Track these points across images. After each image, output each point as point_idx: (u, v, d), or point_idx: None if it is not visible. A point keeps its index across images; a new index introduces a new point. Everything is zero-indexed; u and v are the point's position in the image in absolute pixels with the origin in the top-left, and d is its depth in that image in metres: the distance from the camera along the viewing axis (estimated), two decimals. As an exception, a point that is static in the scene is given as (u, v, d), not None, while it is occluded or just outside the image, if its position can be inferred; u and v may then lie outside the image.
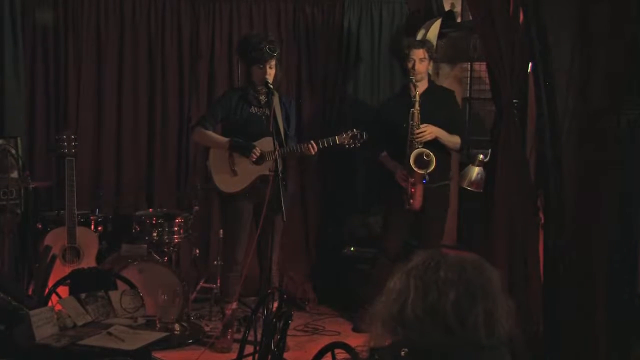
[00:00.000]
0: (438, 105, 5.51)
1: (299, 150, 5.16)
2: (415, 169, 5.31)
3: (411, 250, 5.76)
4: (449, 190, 5.71)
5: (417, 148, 5.34)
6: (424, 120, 5.38)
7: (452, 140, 5.55)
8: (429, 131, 5.38)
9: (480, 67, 6.68)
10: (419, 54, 5.50)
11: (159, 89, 6.44)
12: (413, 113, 5.36)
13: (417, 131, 5.36)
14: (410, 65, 5.48)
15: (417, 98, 5.36)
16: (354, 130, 5.22)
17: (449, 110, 5.64)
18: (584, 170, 3.97)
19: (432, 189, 5.48)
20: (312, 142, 5.16)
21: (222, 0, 6.48)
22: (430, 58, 5.59)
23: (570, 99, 3.94)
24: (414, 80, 5.42)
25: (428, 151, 5.30)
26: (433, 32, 6.13)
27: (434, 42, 6.12)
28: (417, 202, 5.41)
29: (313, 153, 5.17)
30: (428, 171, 5.30)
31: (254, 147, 5.18)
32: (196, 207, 5.92)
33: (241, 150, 5.23)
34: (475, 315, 1.76)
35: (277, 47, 5.24)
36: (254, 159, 5.18)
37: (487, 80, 5.15)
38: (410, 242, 5.87)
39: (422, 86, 5.48)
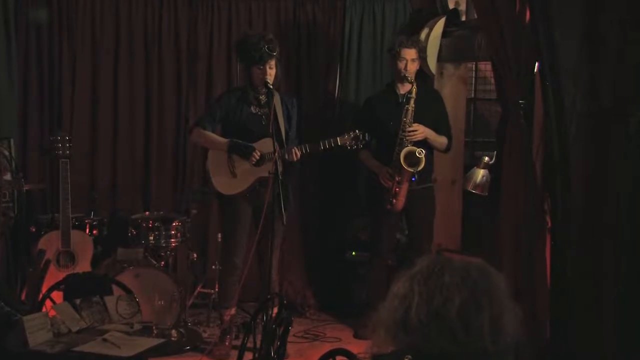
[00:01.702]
0: (425, 105, 5.52)
1: (284, 155, 5.13)
2: (405, 167, 5.31)
3: (401, 247, 5.88)
4: (433, 191, 5.73)
5: (407, 146, 5.35)
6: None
7: (440, 141, 5.59)
8: (421, 131, 5.41)
9: (486, 67, 6.68)
10: (411, 53, 5.52)
11: (156, 89, 6.45)
12: (407, 110, 5.38)
13: (409, 129, 5.37)
14: (402, 65, 5.50)
15: (414, 95, 5.38)
16: (356, 131, 5.22)
17: (436, 110, 5.67)
18: (592, 172, 3.96)
19: (418, 191, 5.53)
20: (295, 149, 5.13)
21: (220, -1, 6.49)
22: (420, 59, 5.62)
23: (577, 99, 3.93)
24: (409, 79, 5.44)
25: (421, 149, 5.31)
26: (437, 30, 6.13)
27: (438, 41, 6.13)
28: (400, 202, 5.44)
29: (295, 159, 5.15)
30: (418, 169, 5.32)
31: (254, 149, 5.18)
32: (194, 210, 5.92)
33: (240, 152, 5.22)
34: (480, 321, 1.76)
35: (276, 47, 5.23)
36: (254, 162, 5.18)
37: (493, 80, 5.15)
38: (400, 238, 5.93)
39: (409, 86, 5.48)
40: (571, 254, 4.05)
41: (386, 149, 5.47)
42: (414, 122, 5.40)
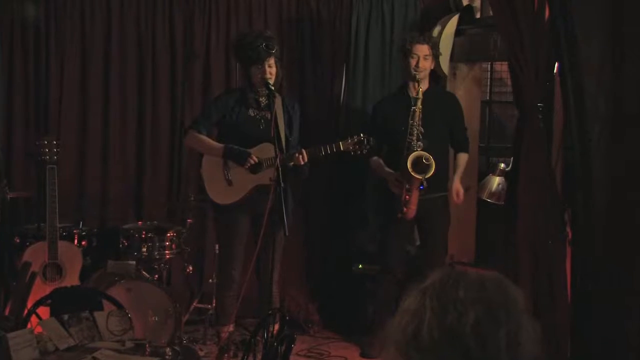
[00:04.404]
0: (439, 107, 5.51)
1: (290, 160, 5.14)
2: (413, 174, 5.28)
3: (412, 261, 5.86)
4: (448, 200, 5.73)
5: (415, 150, 5.33)
6: (424, 122, 5.37)
7: (465, 162, 5.70)
8: (462, 192, 5.61)
9: (502, 67, 6.68)
10: (423, 50, 5.49)
11: (149, 90, 6.45)
12: (414, 111, 5.34)
13: (454, 194, 5.52)
14: (414, 62, 5.47)
15: (420, 95, 5.35)
16: (360, 135, 5.22)
17: (451, 113, 5.65)
18: (615, 180, 3.96)
19: (432, 200, 5.50)
20: (303, 150, 5.15)
21: (218, -6, 6.50)
22: (434, 56, 5.60)
23: (600, 101, 3.93)
24: (417, 77, 5.42)
25: (428, 154, 5.29)
26: (450, 28, 6.14)
27: (451, 40, 6.13)
28: (411, 210, 5.40)
29: (302, 163, 5.15)
30: (427, 176, 5.29)
31: (249, 154, 5.18)
32: (189, 220, 5.92)
33: (235, 157, 5.23)
34: (497, 338, 1.76)
35: (275, 44, 5.24)
36: (248, 167, 5.18)
37: (509, 82, 5.15)
38: (410, 250, 5.92)
39: (422, 86, 5.46)
40: (594, 267, 4.04)
41: (398, 156, 5.43)
42: (425, 126, 5.36)
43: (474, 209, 6.44)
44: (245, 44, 5.21)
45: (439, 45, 5.76)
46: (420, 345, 1.77)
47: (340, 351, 5.87)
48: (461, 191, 5.55)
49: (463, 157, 5.69)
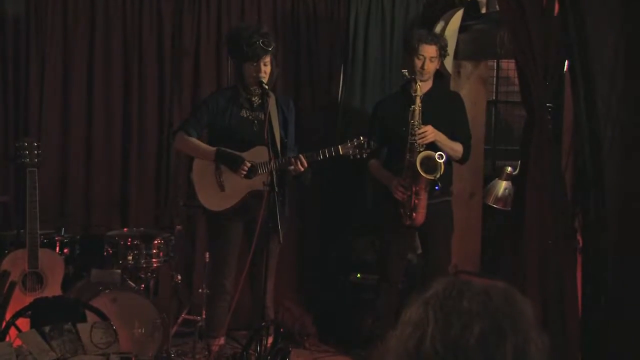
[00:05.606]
0: (441, 107, 5.45)
1: (288, 165, 5.14)
2: (423, 174, 5.21)
3: (412, 269, 5.85)
4: (451, 206, 5.67)
5: (419, 151, 5.29)
6: (425, 123, 5.31)
7: (453, 147, 5.45)
8: (430, 131, 5.29)
9: (509, 66, 6.69)
10: (430, 50, 5.43)
11: (136, 90, 6.44)
12: (414, 110, 5.28)
13: (419, 131, 5.29)
14: (419, 63, 5.41)
15: (419, 93, 5.29)
16: (360, 138, 5.21)
17: (454, 114, 5.57)
18: (630, 185, 3.97)
19: (435, 205, 5.42)
20: (300, 156, 5.14)
21: (209, -12, 6.50)
22: (441, 57, 5.56)
23: (613, 102, 3.94)
24: (414, 77, 5.36)
25: (440, 153, 5.19)
26: (454, 24, 6.14)
27: (455, 36, 6.12)
28: (420, 215, 5.31)
29: (302, 169, 5.15)
30: (438, 176, 5.20)
31: (243, 160, 5.17)
32: (178, 227, 5.91)
33: (228, 162, 5.22)
34: (503, 352, 1.76)
35: (272, 41, 5.23)
36: (243, 175, 5.18)
37: (516, 81, 5.16)
38: (411, 259, 5.90)
39: (425, 86, 5.41)
40: (606, 277, 4.05)
41: (399, 158, 5.39)
42: (423, 124, 5.31)
43: (480, 215, 6.44)
44: (240, 39, 5.19)
45: (447, 46, 5.71)
46: (422, 358, 1.77)
47: (337, 365, 5.89)
48: (430, 129, 5.34)
49: (456, 142, 5.55)
